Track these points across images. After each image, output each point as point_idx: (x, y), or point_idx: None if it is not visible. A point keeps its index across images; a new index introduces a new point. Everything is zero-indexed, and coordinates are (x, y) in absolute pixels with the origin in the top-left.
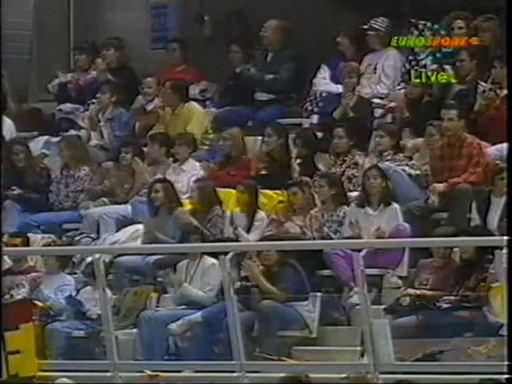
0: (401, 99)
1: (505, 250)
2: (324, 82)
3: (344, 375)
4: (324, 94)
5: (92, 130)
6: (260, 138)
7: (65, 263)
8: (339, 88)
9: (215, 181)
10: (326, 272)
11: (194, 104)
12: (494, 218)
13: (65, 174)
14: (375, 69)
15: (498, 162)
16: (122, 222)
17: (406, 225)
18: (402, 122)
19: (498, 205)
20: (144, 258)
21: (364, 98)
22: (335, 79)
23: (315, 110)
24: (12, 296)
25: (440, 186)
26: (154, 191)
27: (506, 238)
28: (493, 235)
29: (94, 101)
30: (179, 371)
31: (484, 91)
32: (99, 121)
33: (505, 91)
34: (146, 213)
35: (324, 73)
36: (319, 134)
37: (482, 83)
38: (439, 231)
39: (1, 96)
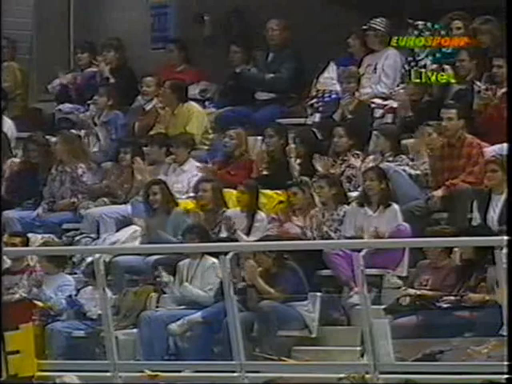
0: (401, 99)
1: (505, 250)
2: (331, 82)
3: (341, 375)
4: (327, 94)
5: (89, 132)
6: (260, 137)
7: (65, 263)
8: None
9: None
10: (325, 272)
11: (194, 104)
12: (494, 216)
13: (60, 170)
14: (375, 69)
15: (492, 157)
16: (122, 222)
17: (407, 225)
18: (402, 122)
19: (496, 202)
20: (144, 257)
21: (364, 103)
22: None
23: (320, 108)
24: (12, 296)
25: (438, 192)
26: (152, 193)
27: (506, 237)
28: (494, 234)
29: (93, 101)
30: (179, 371)
31: (479, 91)
32: (95, 124)
33: (502, 90)
34: (145, 213)
35: (332, 72)
36: (319, 134)
37: (477, 83)
38: (428, 232)
39: (1, 96)
